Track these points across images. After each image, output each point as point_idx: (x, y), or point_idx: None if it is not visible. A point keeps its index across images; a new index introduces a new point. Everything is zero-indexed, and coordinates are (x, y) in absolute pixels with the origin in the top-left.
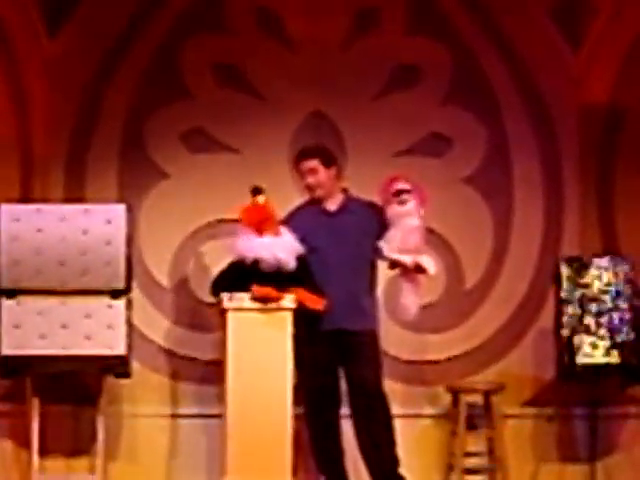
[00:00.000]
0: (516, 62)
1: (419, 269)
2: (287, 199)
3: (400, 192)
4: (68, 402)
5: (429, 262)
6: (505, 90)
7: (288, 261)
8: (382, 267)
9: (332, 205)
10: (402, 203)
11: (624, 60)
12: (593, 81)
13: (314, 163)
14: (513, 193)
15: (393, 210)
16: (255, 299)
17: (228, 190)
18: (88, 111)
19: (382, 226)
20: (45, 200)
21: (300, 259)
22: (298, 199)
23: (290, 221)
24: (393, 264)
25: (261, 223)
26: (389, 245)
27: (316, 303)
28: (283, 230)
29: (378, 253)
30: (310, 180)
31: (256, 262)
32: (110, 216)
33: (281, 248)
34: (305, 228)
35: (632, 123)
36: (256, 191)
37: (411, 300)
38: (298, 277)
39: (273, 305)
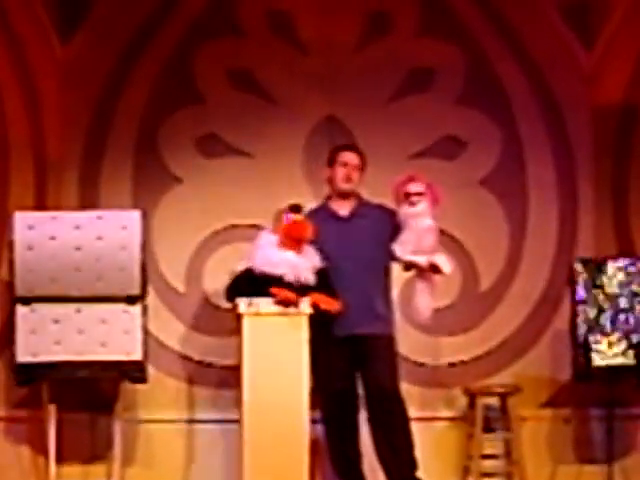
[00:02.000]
0: (529, 62)
1: (434, 269)
2: (301, 203)
3: (412, 193)
4: (85, 408)
5: (444, 261)
6: (518, 91)
7: (309, 281)
8: (397, 270)
9: (344, 210)
10: (413, 204)
11: (638, 59)
12: (606, 80)
13: (357, 160)
14: (528, 194)
15: (405, 211)
16: (276, 302)
17: (242, 194)
18: (102, 117)
19: (395, 229)
20: (59, 206)
21: (320, 271)
22: (312, 203)
23: None
24: (408, 266)
25: (299, 241)
26: (403, 247)
27: (331, 305)
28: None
29: (392, 256)
30: (349, 172)
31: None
32: (125, 222)
33: (303, 267)
34: (317, 233)
35: None
36: (297, 209)
37: (425, 302)
38: (315, 286)
39: (289, 310)
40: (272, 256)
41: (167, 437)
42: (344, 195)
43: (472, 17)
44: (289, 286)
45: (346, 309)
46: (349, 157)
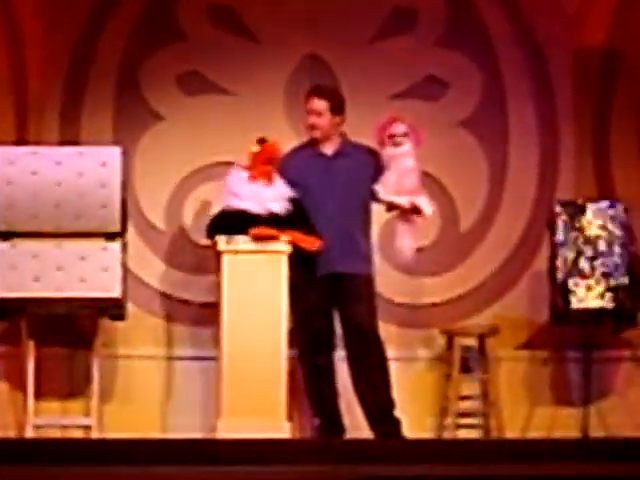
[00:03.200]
0: (511, 3)
1: (415, 210)
2: (283, 142)
3: (395, 134)
4: (63, 344)
5: (425, 203)
6: (501, 33)
7: (278, 210)
8: (377, 210)
9: (329, 149)
10: (397, 145)
11: (620, 1)
12: (589, 23)
13: (322, 105)
14: (508, 136)
15: (388, 152)
16: (255, 238)
17: (223, 132)
18: (83, 54)
19: (378, 171)
20: (40, 142)
21: (294, 202)
22: (294, 141)
23: (285, 163)
24: (390, 206)
25: (266, 164)
26: (385, 187)
27: (311, 244)
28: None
29: (374, 196)
30: (313, 120)
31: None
32: (105, 159)
33: (271, 196)
34: (300, 170)
35: (628, 66)
36: (262, 141)
37: (407, 242)
38: (293, 220)
39: (269, 248)
40: (239, 190)
41: (145, 373)
42: (318, 140)
43: None
44: (266, 222)
45: (327, 247)
46: (312, 104)
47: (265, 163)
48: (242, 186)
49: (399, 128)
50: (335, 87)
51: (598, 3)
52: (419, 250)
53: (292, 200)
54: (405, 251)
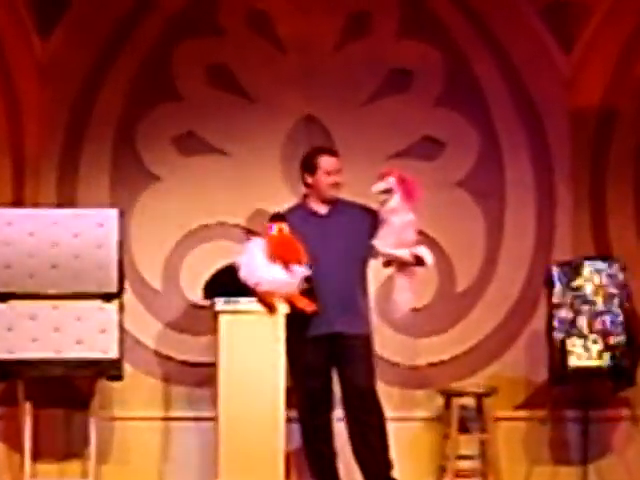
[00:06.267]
0: (508, 65)
1: (417, 261)
2: (279, 202)
3: (379, 192)
4: (60, 406)
5: (426, 252)
6: (497, 93)
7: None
8: (374, 268)
9: (323, 209)
10: (383, 203)
11: (616, 62)
12: (585, 84)
13: (340, 164)
14: (505, 196)
15: (381, 210)
16: (259, 301)
17: (220, 193)
18: (80, 114)
19: (374, 228)
20: (37, 203)
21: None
22: (290, 202)
23: None
24: (388, 262)
25: (291, 260)
26: (384, 241)
27: (308, 305)
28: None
29: (372, 252)
30: (337, 179)
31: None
32: (102, 220)
33: (294, 285)
34: (295, 231)
35: (624, 126)
36: (278, 217)
37: (405, 297)
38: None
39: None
40: (257, 267)
41: (143, 435)
42: (329, 200)
43: (452, 19)
44: None
45: (325, 306)
46: (333, 164)
47: (292, 258)
48: (260, 260)
49: (378, 186)
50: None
51: (593, 64)
52: (416, 310)
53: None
54: (402, 305)
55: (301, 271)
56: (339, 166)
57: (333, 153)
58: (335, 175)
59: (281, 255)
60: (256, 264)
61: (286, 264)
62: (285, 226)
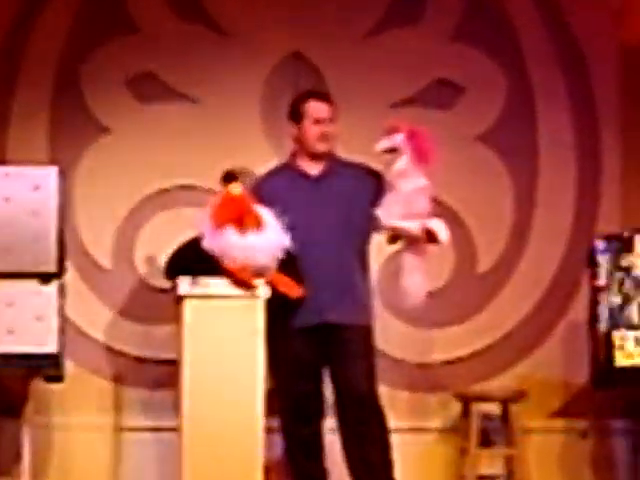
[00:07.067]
0: None
1: (429, 237)
2: (259, 161)
3: (383, 150)
4: None
5: (441, 227)
6: (528, 25)
7: (271, 266)
8: (377, 245)
9: (314, 168)
10: (388, 164)
11: None
12: (638, 15)
13: (333, 110)
14: (538, 154)
15: (387, 173)
16: (233, 282)
17: (185, 149)
18: (11, 51)
19: (379, 194)
20: None
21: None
22: (272, 160)
23: (262, 190)
24: (394, 236)
25: (241, 219)
26: (388, 211)
27: (291, 289)
28: (265, 216)
29: (374, 223)
30: (325, 129)
31: None
32: (38, 180)
33: (266, 250)
34: (281, 198)
35: None
36: (230, 177)
37: (417, 280)
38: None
39: (242, 292)
40: (229, 242)
41: (88, 446)
42: (319, 156)
43: None
44: None
45: (315, 291)
46: (321, 109)
47: (242, 216)
48: (232, 240)
49: (382, 143)
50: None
51: None
52: (429, 294)
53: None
54: (414, 292)
55: (275, 238)
56: (330, 114)
57: (323, 97)
58: (325, 124)
59: (225, 217)
60: (231, 238)
61: (241, 227)
62: (237, 186)
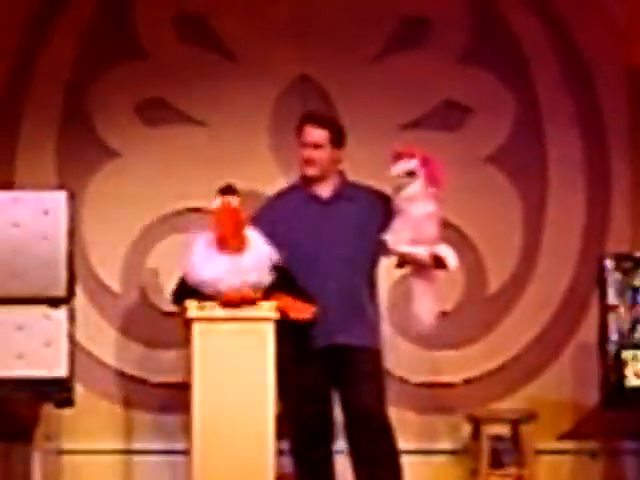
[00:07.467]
0: (549, 13)
1: (437, 263)
2: (267, 182)
3: (398, 175)
4: None
5: (449, 253)
6: (536, 47)
7: (261, 281)
8: (385, 267)
9: (324, 191)
10: (401, 188)
11: None
12: None
13: (321, 136)
14: (547, 176)
15: (397, 196)
16: (226, 304)
17: (193, 172)
18: (20, 74)
19: (388, 217)
20: None
21: (279, 267)
22: (281, 183)
23: (271, 211)
24: (402, 261)
25: (234, 234)
26: (397, 236)
27: (303, 312)
28: (251, 236)
29: (382, 248)
30: (309, 154)
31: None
32: (47, 205)
33: (247, 268)
34: (290, 219)
35: None
36: (228, 190)
37: (427, 306)
38: (278, 285)
39: (251, 314)
40: (207, 262)
41: (98, 471)
42: (309, 179)
43: None
44: None
45: (325, 313)
46: (307, 133)
47: (236, 231)
48: (210, 260)
49: (398, 167)
50: (333, 115)
51: None
52: (439, 315)
53: (277, 266)
54: (424, 318)
55: (262, 251)
56: (316, 138)
57: (314, 121)
58: (309, 149)
59: (228, 230)
60: (194, 259)
61: (234, 239)
62: (233, 199)
